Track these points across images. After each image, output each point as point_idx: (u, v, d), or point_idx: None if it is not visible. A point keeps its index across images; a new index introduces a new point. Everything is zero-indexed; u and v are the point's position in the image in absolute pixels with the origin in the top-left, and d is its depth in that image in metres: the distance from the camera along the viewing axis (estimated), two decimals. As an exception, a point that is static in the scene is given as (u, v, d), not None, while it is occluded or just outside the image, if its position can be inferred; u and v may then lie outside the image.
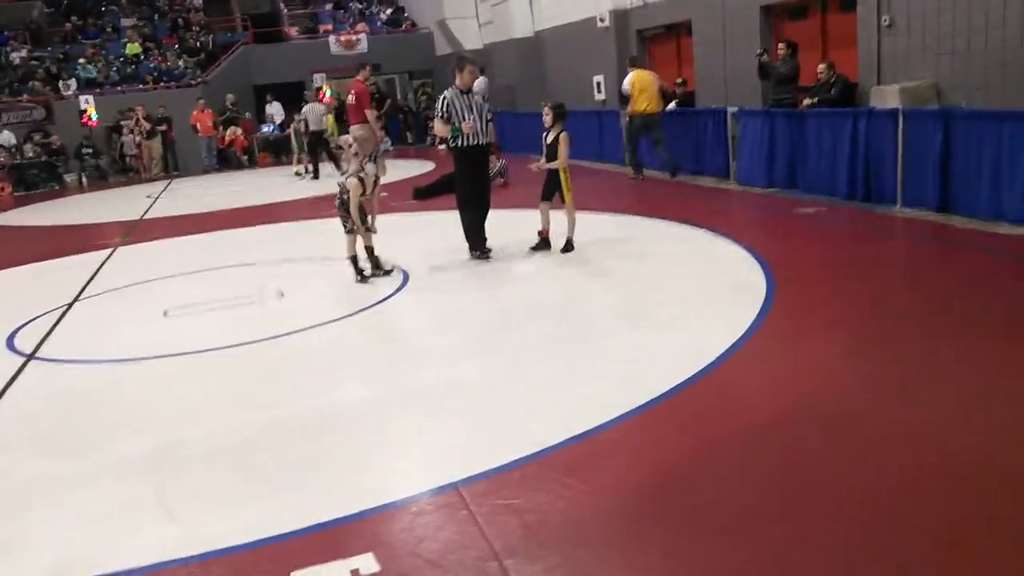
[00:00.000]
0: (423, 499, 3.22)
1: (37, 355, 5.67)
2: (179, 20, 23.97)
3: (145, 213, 13.09)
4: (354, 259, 6.84)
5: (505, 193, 10.63)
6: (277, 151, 20.15)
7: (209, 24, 24.07)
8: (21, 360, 5.55)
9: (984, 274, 5.71)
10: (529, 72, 17.35)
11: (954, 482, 3.00)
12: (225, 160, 19.99)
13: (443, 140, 7.58)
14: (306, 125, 15.36)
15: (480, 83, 11.26)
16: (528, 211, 8.44)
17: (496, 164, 11.05)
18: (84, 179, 19.07)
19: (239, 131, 19.89)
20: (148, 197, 15.19)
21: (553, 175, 7.14)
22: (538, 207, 7.31)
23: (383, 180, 7.45)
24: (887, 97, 8.52)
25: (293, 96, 18.51)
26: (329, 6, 25.30)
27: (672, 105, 12.37)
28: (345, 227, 6.81)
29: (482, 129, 7.09)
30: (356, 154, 6.98)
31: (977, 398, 3.69)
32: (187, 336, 5.75)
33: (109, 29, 23.25)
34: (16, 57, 20.89)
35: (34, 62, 20.81)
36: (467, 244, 7.31)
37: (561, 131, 7.05)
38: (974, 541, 2.67)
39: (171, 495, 3.43)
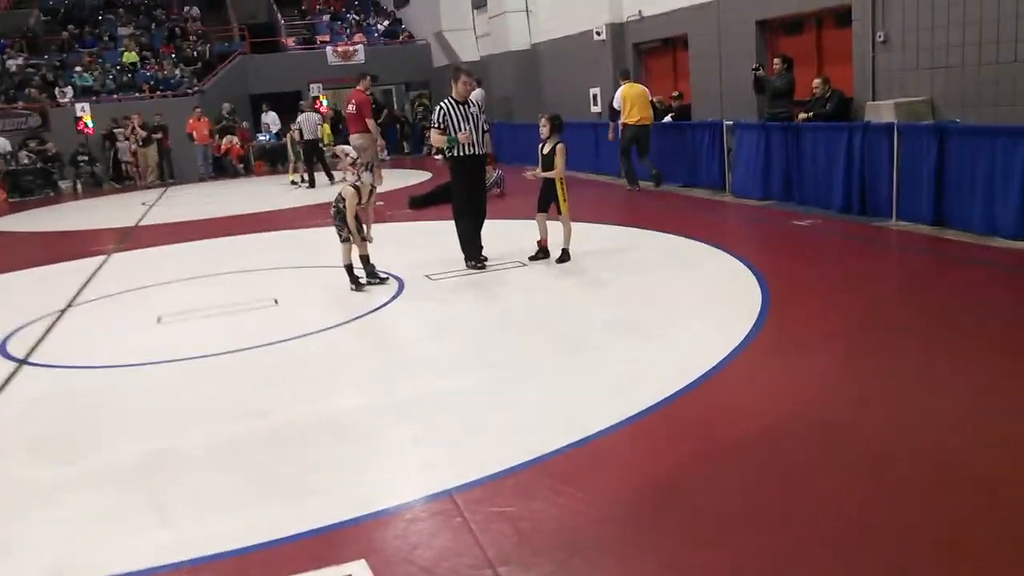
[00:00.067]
0: (417, 506, 3.20)
1: (30, 360, 5.64)
2: (176, 29, 24.03)
3: (140, 220, 13.06)
4: (349, 267, 6.83)
5: (501, 203, 10.65)
6: (273, 160, 20.17)
7: (206, 34, 24.13)
8: (14, 365, 5.51)
9: (978, 287, 5.73)
10: (526, 84, 17.42)
11: (952, 490, 2.99)
12: (221, 168, 20.00)
13: (439, 150, 7.59)
14: (301, 134, 15.38)
15: (477, 94, 11.30)
16: (524, 221, 8.45)
17: (492, 175, 11.07)
18: (79, 186, 19.04)
19: (235, 140, 19.90)
20: (143, 204, 15.16)
21: (549, 186, 7.15)
22: (535, 218, 7.33)
23: (379, 190, 7.44)
24: (882, 112, 8.57)
25: (290, 106, 18.56)
26: (326, 17, 25.41)
27: (668, 119, 12.44)
28: (340, 236, 6.80)
29: (478, 140, 7.10)
30: (353, 163, 6.99)
31: (972, 411, 3.69)
32: (181, 342, 5.72)
33: (106, 38, 23.29)
34: (12, 64, 20.89)
35: (30, 69, 20.82)
36: (463, 254, 7.31)
37: (557, 142, 7.07)
38: (973, 542, 2.67)
39: (164, 500, 3.40)
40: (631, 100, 11.14)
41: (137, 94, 20.80)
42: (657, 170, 11.28)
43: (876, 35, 9.10)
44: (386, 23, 25.25)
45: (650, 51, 14.42)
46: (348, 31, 24.46)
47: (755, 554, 2.70)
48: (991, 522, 2.77)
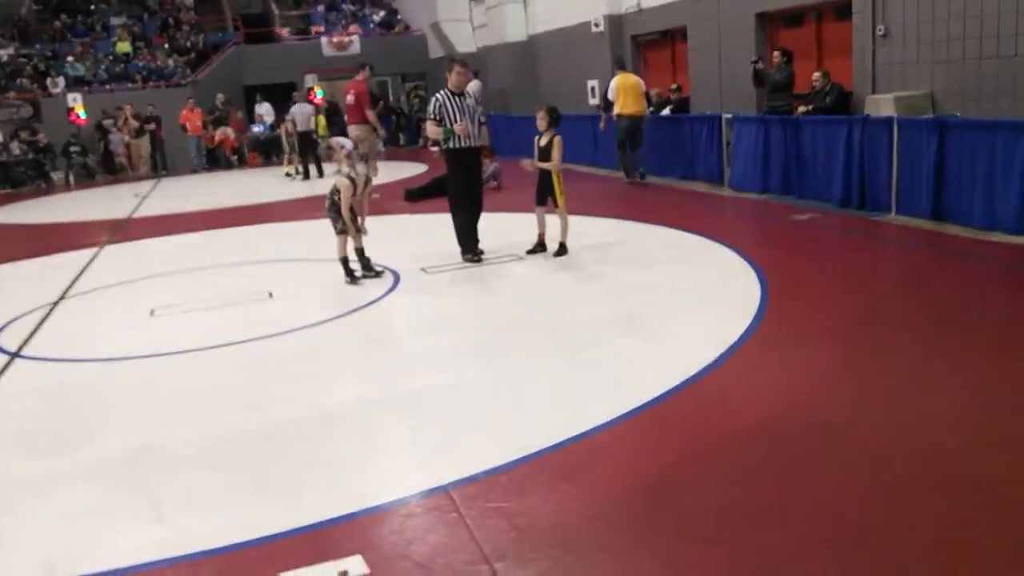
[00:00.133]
0: (413, 501, 3.17)
1: (22, 353, 5.58)
2: (169, 19, 23.87)
3: (133, 212, 12.98)
4: (345, 260, 6.78)
5: (499, 196, 10.60)
6: (267, 151, 20.06)
7: (200, 23, 23.98)
8: (6, 358, 5.46)
9: (978, 283, 5.70)
10: (523, 76, 17.35)
11: (950, 490, 2.97)
12: (214, 160, 19.88)
13: (435, 142, 7.53)
14: (294, 125, 15.29)
15: (473, 86, 11.24)
16: (521, 214, 8.41)
17: (489, 167, 11.02)
18: (71, 177, 18.92)
19: (229, 131, 19.77)
20: (136, 196, 15.07)
21: (545, 178, 7.10)
22: (534, 211, 7.28)
23: (375, 181, 7.38)
24: (882, 106, 8.54)
25: (284, 97, 18.46)
26: (321, 7, 25.26)
27: (667, 111, 12.40)
28: (336, 228, 6.75)
29: (474, 132, 7.05)
30: (348, 155, 6.93)
31: (971, 410, 3.66)
32: (174, 336, 5.67)
33: (98, 27, 23.12)
34: (3, 54, 20.73)
35: (22, 59, 20.66)
36: (459, 247, 7.26)
37: (555, 135, 7.02)
38: (971, 542, 2.65)
39: (158, 495, 3.37)
40: (625, 91, 11.09)
41: (130, 84, 20.66)
42: (644, 168, 11.38)
43: (876, 28, 9.06)
44: (382, 14, 25.12)
45: (649, 43, 14.36)
46: (343, 22, 24.33)
47: (751, 552, 2.68)
48: (989, 522, 2.76)
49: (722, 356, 4.45)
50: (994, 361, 4.19)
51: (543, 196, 7.16)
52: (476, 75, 14.60)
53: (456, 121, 6.89)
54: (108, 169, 19.49)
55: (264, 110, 20.27)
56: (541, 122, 7.11)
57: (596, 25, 14.65)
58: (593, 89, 15.15)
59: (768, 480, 3.15)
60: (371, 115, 11.78)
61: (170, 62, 21.65)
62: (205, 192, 15.10)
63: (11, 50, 20.93)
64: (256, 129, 20.57)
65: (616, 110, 11.24)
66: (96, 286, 7.56)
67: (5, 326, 6.28)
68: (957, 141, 7.03)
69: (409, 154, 19.03)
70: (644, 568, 2.65)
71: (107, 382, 4.93)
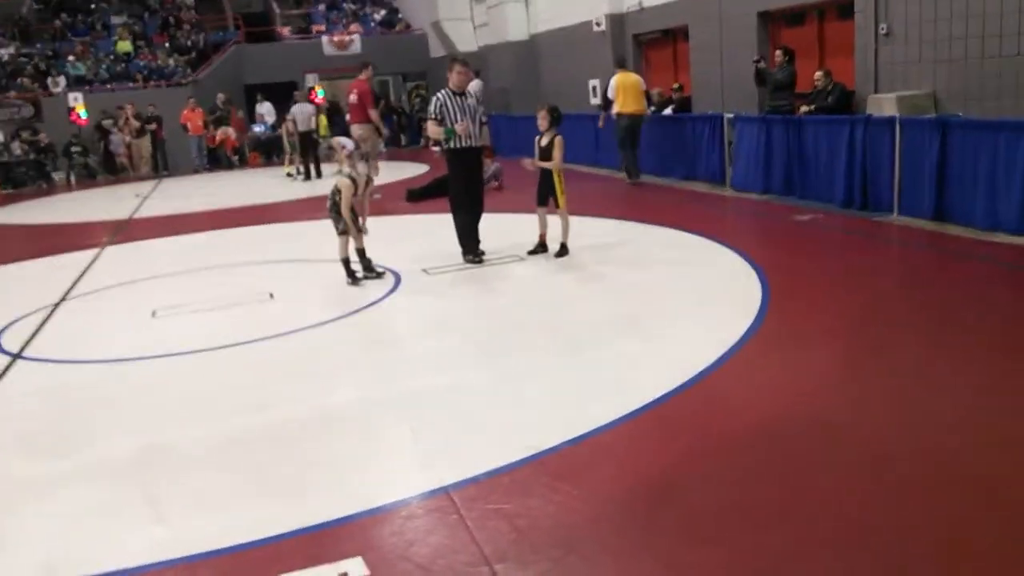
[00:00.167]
0: (413, 503, 3.17)
1: (24, 355, 5.58)
2: (170, 18, 23.86)
3: (134, 213, 12.98)
4: (346, 261, 6.77)
5: (500, 197, 10.59)
6: (268, 151, 20.04)
7: (200, 23, 23.97)
8: (7, 360, 5.45)
9: (980, 284, 5.69)
10: (524, 75, 17.33)
11: (952, 490, 2.96)
12: (215, 160, 19.87)
13: (436, 142, 7.52)
14: (295, 125, 15.28)
15: (475, 85, 11.23)
16: (522, 215, 8.41)
17: (490, 167, 11.01)
18: (72, 177, 18.91)
19: (230, 131, 19.76)
20: (137, 196, 15.07)
21: (546, 178, 7.09)
22: (535, 212, 7.27)
23: (376, 181, 7.38)
24: (884, 106, 8.52)
25: (285, 96, 18.46)
26: (322, 6, 25.24)
27: (668, 111, 12.38)
28: (337, 229, 6.74)
29: (475, 131, 7.03)
30: (349, 155, 6.92)
31: (973, 411, 3.65)
32: (175, 337, 5.67)
33: (99, 26, 23.11)
34: (4, 54, 20.72)
35: (22, 59, 20.65)
36: (460, 247, 7.25)
37: (556, 135, 7.01)
38: (973, 542, 2.64)
39: (159, 496, 3.37)
40: (625, 89, 11.07)
41: (131, 84, 20.65)
42: (638, 169, 11.41)
43: (879, 27, 9.04)
44: (383, 12, 25.11)
45: (650, 42, 14.34)
46: (344, 21, 24.32)
47: (752, 552, 2.68)
48: (991, 522, 2.75)
49: (723, 357, 4.44)
50: (996, 362, 4.18)
51: (544, 196, 7.15)
52: (477, 74, 14.57)
53: (457, 121, 6.87)
54: (109, 169, 19.49)
55: (265, 110, 20.25)
56: (542, 122, 7.09)
57: (598, 24, 14.63)
58: (595, 88, 15.13)
59: (769, 480, 3.14)
60: (374, 114, 11.80)
61: (171, 61, 21.65)
62: (206, 192, 15.09)
63: (12, 49, 20.92)
64: (257, 129, 20.56)
65: (616, 109, 11.22)
66: (97, 287, 7.56)
67: (6, 327, 6.28)
68: (959, 141, 7.02)
69: (410, 154, 19.01)
70: (645, 568, 2.65)
71: (109, 383, 4.93)
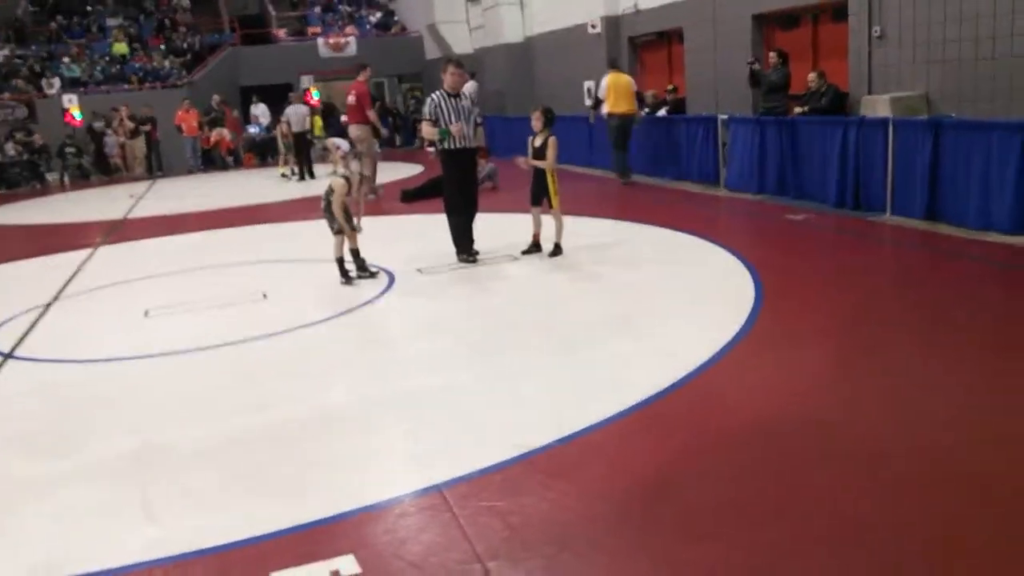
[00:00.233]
0: (406, 501, 3.15)
1: (15, 354, 5.56)
2: (165, 21, 23.84)
3: (128, 213, 12.95)
4: (340, 261, 6.76)
5: (494, 197, 10.59)
6: (263, 152, 20.03)
7: (196, 25, 23.94)
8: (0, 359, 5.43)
9: (972, 283, 5.71)
10: (519, 77, 17.34)
11: (947, 488, 2.97)
12: (210, 161, 19.84)
13: (431, 143, 7.51)
14: (289, 126, 15.27)
15: (470, 87, 11.24)
16: (516, 215, 8.40)
17: (485, 168, 11.01)
18: (66, 178, 18.87)
19: (225, 132, 19.73)
20: (131, 197, 15.03)
21: (540, 178, 7.09)
22: (529, 212, 7.27)
23: (377, 181, 7.36)
24: (877, 107, 8.55)
25: (280, 98, 18.44)
26: (318, 8, 25.24)
27: (663, 112, 12.39)
28: (332, 229, 6.73)
29: (470, 132, 7.04)
30: (344, 156, 6.92)
31: (966, 408, 3.66)
32: (168, 337, 5.64)
33: (94, 28, 23.08)
34: (-1, 55, 20.71)
35: (17, 60, 20.61)
36: (455, 247, 7.25)
37: (550, 135, 7.02)
38: (967, 539, 2.64)
39: (151, 496, 3.35)
40: (616, 90, 11.08)
41: (126, 86, 20.62)
42: (629, 170, 11.43)
43: (872, 29, 9.07)
44: (378, 15, 25.12)
45: (645, 44, 14.37)
46: (340, 23, 24.32)
47: (748, 549, 2.67)
48: (986, 519, 2.75)
49: (717, 355, 4.44)
50: (988, 360, 4.19)
51: (538, 196, 7.15)
52: (473, 76, 14.59)
53: (451, 122, 6.88)
54: (102, 170, 19.45)
55: (260, 111, 20.23)
56: (536, 122, 7.10)
57: (593, 26, 14.65)
58: (589, 90, 15.14)
59: (764, 477, 3.14)
60: (372, 115, 11.81)
61: (166, 63, 21.62)
62: (201, 193, 15.06)
63: (7, 51, 20.88)
64: (252, 130, 20.55)
65: (606, 109, 11.23)
66: (91, 287, 7.53)
67: (-2, 326, 6.25)
68: (952, 142, 7.04)
69: (405, 155, 19.00)
70: (640, 566, 2.64)
71: (103, 383, 4.90)
